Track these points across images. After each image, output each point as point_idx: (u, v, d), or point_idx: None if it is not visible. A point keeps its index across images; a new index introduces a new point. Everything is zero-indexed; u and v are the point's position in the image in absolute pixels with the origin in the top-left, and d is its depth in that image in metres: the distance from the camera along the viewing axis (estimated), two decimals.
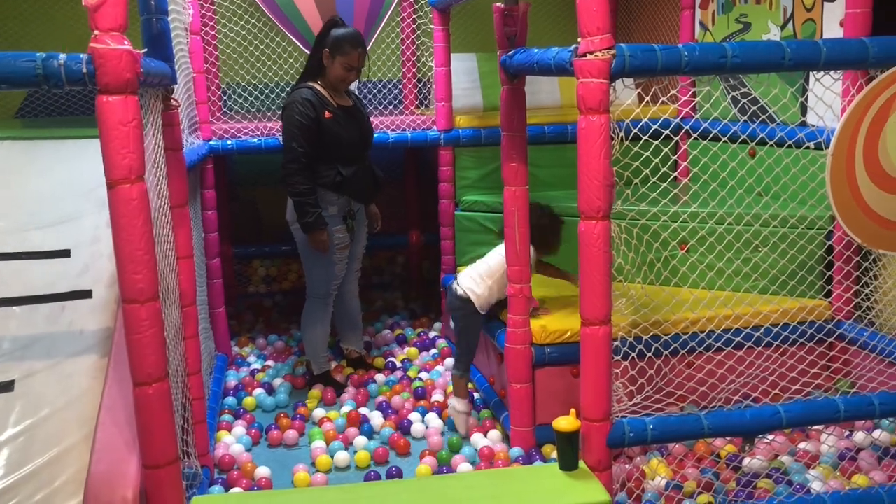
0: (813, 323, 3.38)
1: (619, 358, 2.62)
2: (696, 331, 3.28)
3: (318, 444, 3.35)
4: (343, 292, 4.00)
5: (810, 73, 3.62)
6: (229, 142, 4.23)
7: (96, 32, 1.95)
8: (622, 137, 2.38)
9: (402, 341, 4.58)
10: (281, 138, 3.87)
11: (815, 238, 3.41)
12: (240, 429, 3.51)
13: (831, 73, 3.05)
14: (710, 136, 3.26)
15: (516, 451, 3.23)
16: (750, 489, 2.76)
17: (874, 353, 3.23)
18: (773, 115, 3.72)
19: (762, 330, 3.28)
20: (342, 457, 3.25)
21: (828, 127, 3.41)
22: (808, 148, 2.92)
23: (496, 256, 3.41)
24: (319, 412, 3.67)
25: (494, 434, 3.40)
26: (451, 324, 3.56)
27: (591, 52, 2.24)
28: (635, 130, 2.63)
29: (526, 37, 2.99)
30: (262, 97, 4.69)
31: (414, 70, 5.16)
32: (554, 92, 4.83)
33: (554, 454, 3.17)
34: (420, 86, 5.18)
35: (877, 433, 3.12)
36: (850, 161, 2.46)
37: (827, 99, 2.91)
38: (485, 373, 3.83)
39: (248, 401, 3.82)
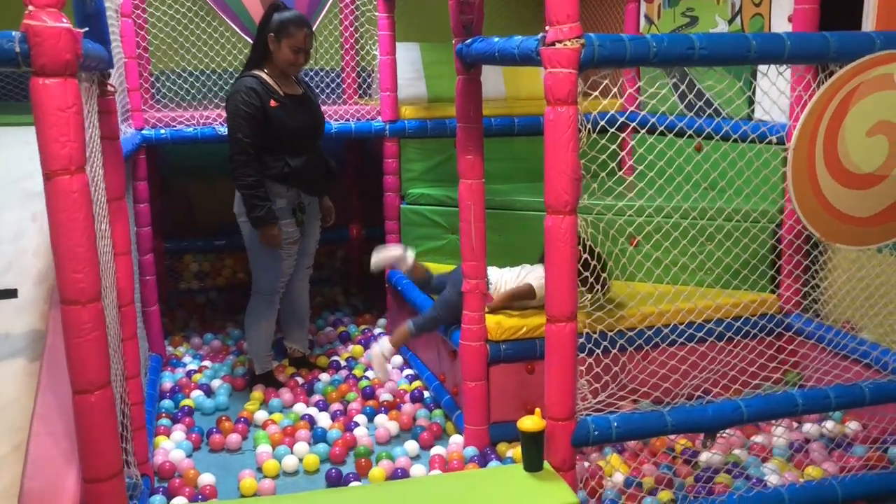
0: (763, 316, 3.39)
1: (583, 355, 2.57)
2: (647, 326, 3.26)
3: (264, 448, 3.21)
4: (292, 290, 3.85)
5: (758, 67, 3.66)
6: (163, 131, 4.02)
7: (31, 8, 1.77)
8: (589, 130, 2.31)
9: (346, 339, 4.45)
10: (224, 129, 3.70)
11: (764, 232, 3.44)
12: (179, 433, 3.33)
13: (779, 67, 3.08)
14: (656, 130, 3.23)
15: (471, 450, 3.15)
16: (710, 485, 2.75)
17: (822, 345, 3.27)
18: (719, 109, 3.74)
19: (713, 324, 3.27)
20: (290, 461, 3.11)
21: (775, 121, 3.46)
22: (753, 142, 2.94)
23: (532, 276, 3.34)
24: (262, 414, 3.52)
25: (453, 436, 3.32)
26: (445, 291, 3.41)
27: (559, 41, 2.17)
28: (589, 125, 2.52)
29: (482, 25, 2.91)
30: (197, 85, 4.47)
31: (355, 59, 5.02)
32: (498, 84, 4.77)
33: (509, 452, 3.12)
34: (361, 75, 5.04)
35: (828, 424, 3.16)
36: (810, 156, 2.46)
37: (774, 94, 2.93)
38: (434, 370, 3.74)
39: (187, 403, 3.64)
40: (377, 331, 4.54)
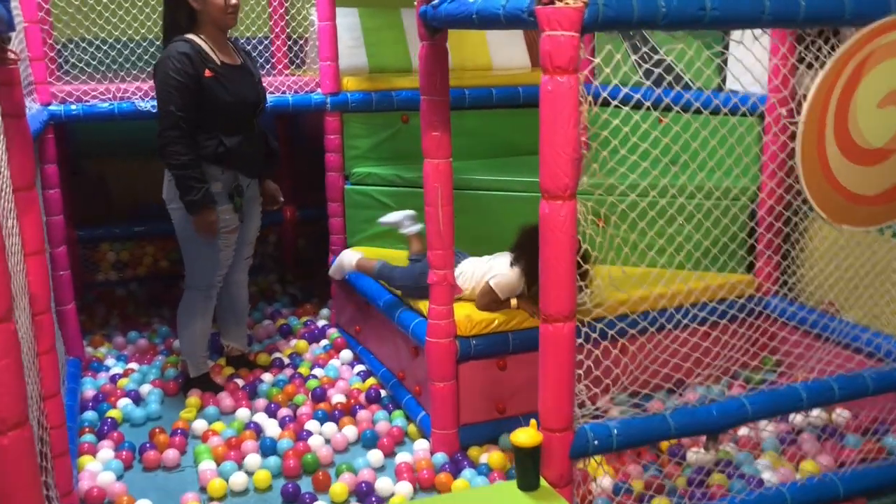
0: (739, 298, 3.21)
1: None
2: (619, 315, 3.01)
3: (207, 464, 2.84)
4: (230, 282, 3.46)
5: (731, 34, 3.45)
6: (74, 107, 3.54)
7: None
8: (591, 101, 2.02)
9: (287, 333, 4.08)
10: (145, 103, 3.27)
11: (740, 210, 3.25)
12: (107, 451, 2.93)
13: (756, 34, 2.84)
14: (614, 103, 2.96)
15: (440, 457, 2.86)
16: (704, 489, 2.55)
17: (798, 326, 3.10)
18: (685, 79, 3.52)
19: (689, 309, 3.06)
20: (238, 479, 2.76)
21: (750, 93, 3.27)
22: (725, 115, 2.72)
23: (495, 269, 3.01)
24: (202, 424, 3.14)
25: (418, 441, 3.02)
26: (421, 265, 3.13)
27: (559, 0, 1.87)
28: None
29: None
30: (113, 54, 3.96)
31: (284, 26, 4.60)
32: None
33: (483, 457, 2.86)
34: (294, 44, 4.62)
35: (814, 412, 3.00)
36: (820, 131, 2.24)
37: (748, 62, 2.71)
38: (391, 367, 3.42)
39: (114, 414, 3.23)
40: (321, 322, 4.19)
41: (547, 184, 1.98)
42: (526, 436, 2.09)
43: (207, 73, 3.08)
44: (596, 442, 2.17)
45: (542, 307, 2.07)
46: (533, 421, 2.13)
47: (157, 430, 3.08)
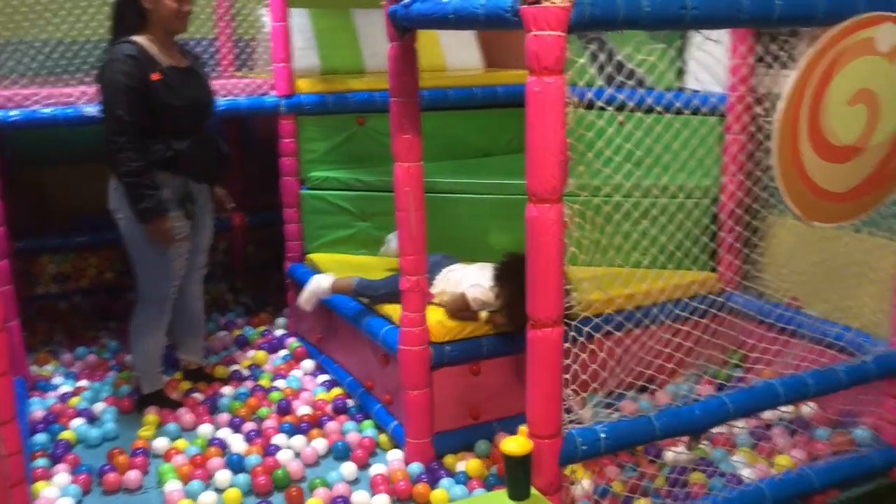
0: (704, 296, 3.23)
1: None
2: (591, 314, 3.00)
3: (173, 484, 2.72)
4: (185, 293, 3.33)
5: (688, 35, 3.48)
6: (13, 113, 3.35)
7: None
8: (576, 103, 1.99)
9: (244, 343, 3.95)
10: (90, 108, 3.12)
11: (702, 209, 3.27)
12: (63, 476, 2.78)
13: (712, 35, 2.86)
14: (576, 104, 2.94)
15: (416, 467, 2.80)
16: (685, 489, 2.55)
17: (763, 322, 3.14)
18: (646, 81, 3.53)
19: (655, 308, 3.07)
20: (208, 499, 2.64)
21: (710, 92, 3.30)
22: (679, 114, 2.74)
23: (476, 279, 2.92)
24: (163, 442, 3.01)
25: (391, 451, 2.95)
26: None
27: None
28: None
29: None
30: (55, 56, 3.77)
31: (231, 27, 4.46)
32: None
33: (460, 465, 2.81)
34: (240, 45, 4.49)
35: (784, 406, 3.04)
36: (794, 129, 2.26)
37: (708, 62, 2.74)
38: (359, 376, 3.34)
39: (67, 435, 3.07)
40: (279, 332, 4.08)
41: (535, 187, 1.94)
42: (515, 444, 2.04)
43: (154, 76, 2.96)
44: (584, 447, 2.15)
45: (531, 311, 2.03)
46: (522, 428, 2.09)
47: (115, 450, 2.94)
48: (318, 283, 3.33)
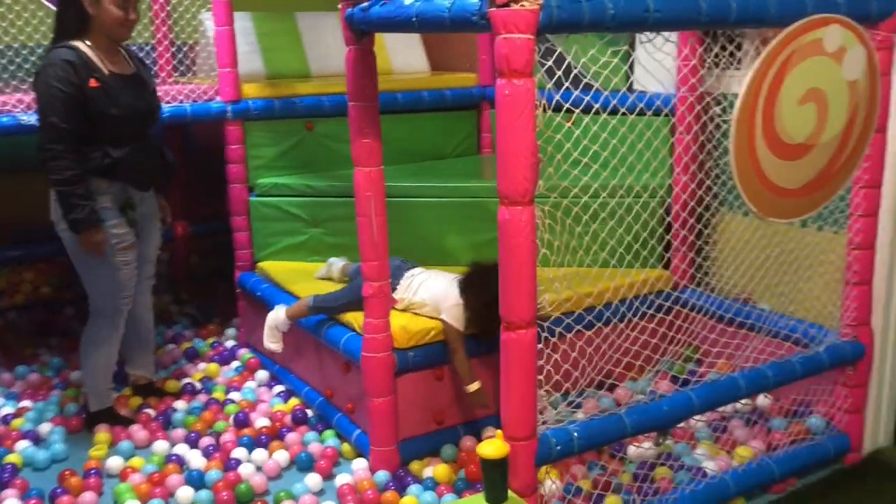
0: (657, 294, 3.29)
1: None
2: (547, 315, 3.01)
3: None
4: (133, 306, 3.20)
5: (637, 36, 3.53)
6: None
7: None
8: (545, 106, 1.99)
9: (194, 356, 3.85)
10: (27, 117, 3.00)
11: (654, 208, 3.32)
12: (12, 501, 2.65)
13: (652, 39, 2.90)
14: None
15: (382, 475, 2.76)
16: (652, 484, 2.59)
17: (713, 318, 3.21)
18: (591, 80, 3.57)
19: (610, 307, 3.11)
20: None
21: (657, 93, 3.35)
22: (635, 114, 2.77)
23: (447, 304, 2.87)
24: (117, 461, 2.91)
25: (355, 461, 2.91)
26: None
27: (514, 1, 1.83)
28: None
29: None
30: None
31: (168, 32, 4.35)
32: (341, 57, 4.26)
33: (427, 471, 2.79)
34: (180, 50, 4.38)
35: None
36: (750, 128, 2.31)
37: (655, 64, 2.78)
38: (316, 385, 3.28)
39: (13, 458, 2.93)
40: (229, 343, 3.98)
41: (506, 189, 1.94)
42: (492, 447, 2.04)
43: (92, 82, 2.85)
44: (559, 447, 2.16)
45: (504, 313, 2.02)
46: (498, 431, 2.08)
47: (66, 472, 2.82)
48: (275, 317, 3.21)
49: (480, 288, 2.73)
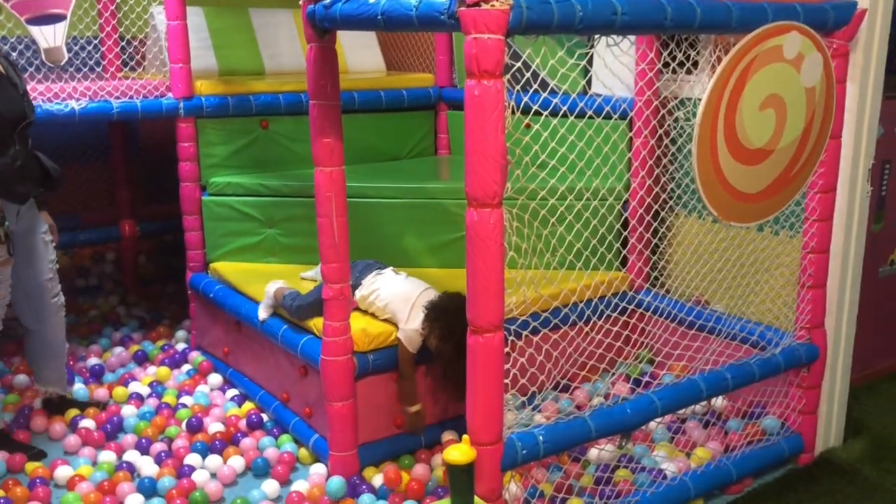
0: (614, 295, 3.30)
1: None
2: (511, 317, 3.00)
3: None
4: (42, 328, 3.02)
5: (595, 40, 3.54)
6: None
7: None
8: (513, 108, 1.97)
9: (143, 359, 3.74)
10: None
11: (610, 210, 3.34)
12: None
13: (618, 42, 2.93)
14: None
15: (336, 481, 2.71)
16: (612, 486, 2.59)
17: (670, 319, 3.23)
18: (548, 82, 3.58)
19: (567, 309, 3.11)
20: None
21: (616, 96, 3.37)
22: (591, 118, 2.78)
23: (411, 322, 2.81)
24: (66, 470, 2.80)
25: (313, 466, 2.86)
26: None
27: (485, 1, 1.81)
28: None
29: None
30: None
31: (116, 26, 4.22)
32: (296, 55, 4.25)
33: (377, 478, 2.75)
34: (128, 44, 4.26)
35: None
36: (713, 133, 2.33)
37: (615, 68, 2.79)
38: (271, 389, 3.22)
39: None
40: (180, 346, 3.88)
41: (475, 192, 1.91)
42: (458, 453, 2.02)
43: None
44: (524, 451, 2.15)
45: (471, 318, 2.00)
46: (465, 436, 2.06)
47: (10, 481, 2.71)
48: (268, 292, 3.10)
49: (450, 328, 2.66)
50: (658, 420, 3.04)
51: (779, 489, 2.74)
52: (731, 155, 2.41)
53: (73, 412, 3.21)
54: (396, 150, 4.20)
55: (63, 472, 2.78)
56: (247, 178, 3.65)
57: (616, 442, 2.69)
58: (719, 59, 2.34)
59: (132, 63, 4.11)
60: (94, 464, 2.87)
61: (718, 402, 3.08)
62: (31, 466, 2.85)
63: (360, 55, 4.44)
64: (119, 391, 3.39)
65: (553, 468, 2.75)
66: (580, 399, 3.15)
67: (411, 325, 2.78)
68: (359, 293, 2.93)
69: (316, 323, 2.82)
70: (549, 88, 3.43)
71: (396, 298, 2.84)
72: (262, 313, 3.12)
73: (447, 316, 2.70)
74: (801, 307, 2.80)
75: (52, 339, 3.08)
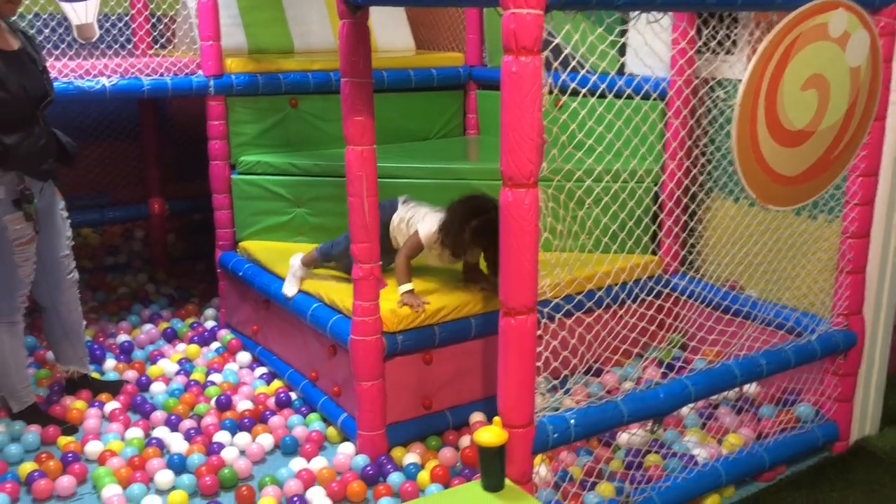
0: (649, 278, 3.27)
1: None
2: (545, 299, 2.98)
3: (111, 489, 2.55)
4: (57, 305, 3.03)
5: (628, 19, 3.48)
6: None
7: None
8: (551, 86, 1.93)
9: (172, 337, 3.76)
10: None
11: (646, 192, 3.28)
12: None
13: (659, 19, 2.87)
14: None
15: (362, 459, 2.71)
16: (643, 471, 2.56)
17: (704, 304, 3.19)
18: (581, 62, 3.52)
19: (603, 291, 3.08)
20: None
21: (651, 75, 3.31)
22: (629, 98, 2.73)
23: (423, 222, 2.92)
24: (96, 446, 2.82)
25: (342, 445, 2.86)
26: None
27: None
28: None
29: None
30: None
31: (147, 3, 4.21)
32: (326, 34, 4.22)
33: (409, 458, 2.74)
34: (159, 21, 4.26)
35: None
36: (753, 113, 2.27)
37: (652, 47, 2.73)
38: (301, 368, 3.22)
39: None
40: (209, 324, 3.89)
41: (510, 171, 1.88)
42: (490, 435, 1.99)
43: None
44: (555, 435, 2.13)
45: (504, 299, 1.97)
46: (497, 419, 2.04)
47: (43, 455, 2.73)
48: (293, 264, 3.15)
49: (467, 210, 2.79)
50: (690, 406, 3.01)
51: (813, 477, 2.70)
52: (772, 136, 2.35)
53: (79, 405, 3.13)
54: (425, 131, 4.16)
55: (94, 448, 2.80)
56: (276, 157, 3.64)
57: (647, 427, 2.66)
58: (760, 38, 2.28)
59: (162, 40, 4.11)
60: (124, 439, 2.89)
61: (752, 388, 3.03)
62: (63, 441, 2.88)
63: (390, 34, 4.40)
64: (154, 371, 3.41)
65: (582, 452, 2.73)
66: (610, 383, 3.11)
67: (429, 224, 2.87)
68: (396, 217, 2.98)
69: (345, 301, 2.81)
70: (584, 69, 3.40)
71: (429, 215, 2.92)
72: (289, 290, 3.13)
73: (471, 202, 2.84)
74: (839, 293, 2.74)
75: (66, 315, 3.09)
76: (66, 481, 2.61)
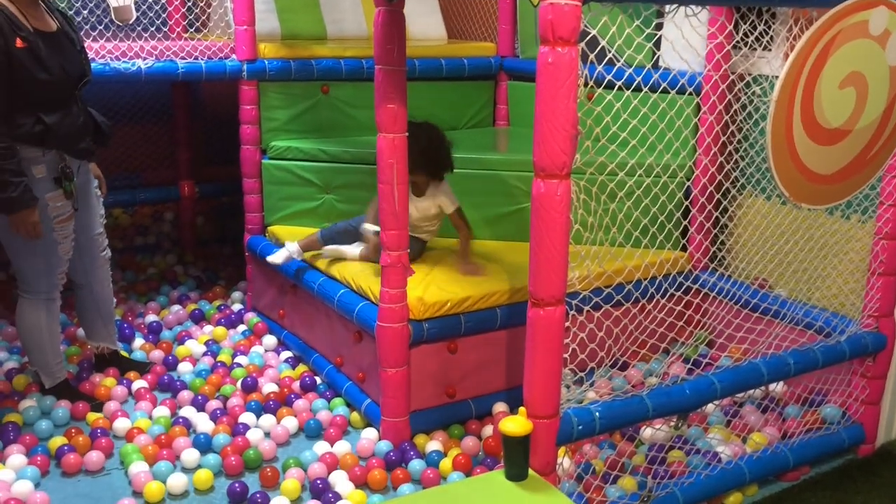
0: (678, 273, 3.25)
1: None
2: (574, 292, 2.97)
3: (138, 466, 2.59)
4: (91, 282, 3.08)
5: (665, 12, 3.45)
6: None
7: None
8: (587, 78, 1.93)
9: (200, 318, 3.80)
10: None
11: (678, 187, 3.25)
12: (19, 458, 2.61)
13: (697, 13, 2.84)
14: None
15: (384, 445, 2.73)
16: (665, 467, 2.56)
17: (732, 301, 3.17)
18: (616, 56, 3.50)
19: (631, 285, 3.06)
20: (177, 481, 2.52)
21: (689, 69, 3.28)
22: (664, 92, 2.71)
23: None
24: (124, 423, 2.87)
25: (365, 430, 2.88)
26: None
27: None
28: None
29: None
30: None
31: None
32: (359, 21, 4.23)
33: (432, 445, 2.75)
34: (194, 5, 4.28)
35: None
36: (789, 110, 2.26)
37: (683, 41, 2.71)
38: (325, 353, 3.25)
39: (14, 418, 2.89)
40: (236, 306, 3.93)
41: (543, 162, 1.88)
42: (515, 425, 2.00)
43: (19, 42, 2.59)
44: (580, 427, 2.13)
45: (533, 290, 1.97)
46: (522, 409, 2.04)
47: (73, 430, 2.78)
48: (291, 248, 3.25)
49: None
50: (714, 403, 2.99)
51: (837, 479, 2.68)
52: (807, 134, 2.33)
53: (109, 382, 3.17)
54: (455, 120, 4.17)
55: (121, 424, 2.85)
56: (306, 143, 3.66)
57: (671, 422, 2.65)
58: (798, 35, 2.26)
59: (197, 24, 4.14)
60: (151, 418, 2.93)
61: (778, 387, 3.01)
62: (92, 417, 2.93)
63: (422, 23, 4.40)
64: (181, 351, 3.45)
65: (605, 445, 2.73)
66: (635, 378, 3.11)
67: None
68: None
69: (372, 288, 2.82)
70: (620, 62, 3.38)
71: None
72: (275, 259, 3.28)
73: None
74: (870, 295, 2.71)
75: (99, 292, 3.13)
76: (94, 456, 2.65)
